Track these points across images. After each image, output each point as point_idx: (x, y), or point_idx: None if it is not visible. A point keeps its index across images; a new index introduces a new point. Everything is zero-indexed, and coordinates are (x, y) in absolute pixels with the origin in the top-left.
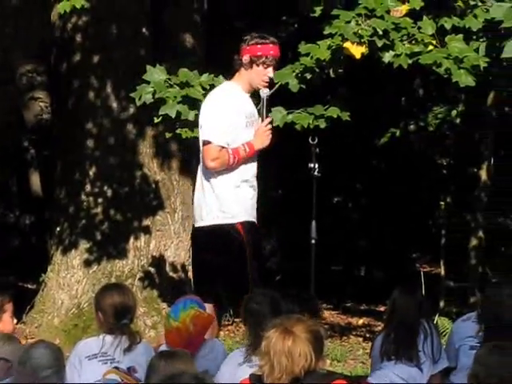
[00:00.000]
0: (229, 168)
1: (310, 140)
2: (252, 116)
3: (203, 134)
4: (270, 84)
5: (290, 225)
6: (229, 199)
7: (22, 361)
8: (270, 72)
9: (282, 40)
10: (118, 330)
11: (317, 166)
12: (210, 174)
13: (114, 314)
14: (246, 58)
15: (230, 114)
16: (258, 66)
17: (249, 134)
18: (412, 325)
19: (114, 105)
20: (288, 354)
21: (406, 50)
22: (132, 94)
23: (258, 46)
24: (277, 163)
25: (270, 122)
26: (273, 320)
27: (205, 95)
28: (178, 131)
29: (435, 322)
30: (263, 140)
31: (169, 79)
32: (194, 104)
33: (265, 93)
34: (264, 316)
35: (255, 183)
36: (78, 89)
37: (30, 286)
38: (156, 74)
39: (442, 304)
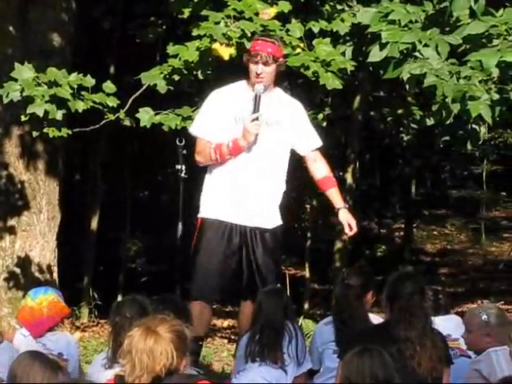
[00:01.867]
0: (217, 163)
1: (177, 141)
2: (244, 112)
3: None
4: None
5: (157, 226)
6: (207, 194)
7: None
8: (258, 68)
9: (150, 41)
10: None
11: (184, 167)
12: (206, 167)
13: None
14: (246, 56)
15: (215, 108)
16: (249, 62)
17: (238, 130)
18: (277, 327)
19: None
20: (149, 353)
21: None
22: None
23: (251, 42)
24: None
25: (257, 118)
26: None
27: (73, 95)
28: (45, 130)
29: (300, 323)
30: (247, 136)
31: (37, 77)
32: (62, 103)
33: (257, 89)
34: (130, 321)
35: (245, 181)
36: None
37: None
38: (24, 71)
39: (306, 306)
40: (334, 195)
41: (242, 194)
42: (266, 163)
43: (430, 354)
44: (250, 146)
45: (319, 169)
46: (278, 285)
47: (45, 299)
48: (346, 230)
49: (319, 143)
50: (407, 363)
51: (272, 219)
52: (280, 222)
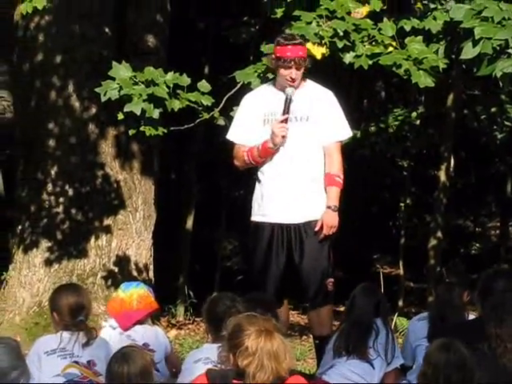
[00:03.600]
0: (251, 166)
1: None
2: (272, 114)
3: None
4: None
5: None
6: (254, 197)
7: None
8: (291, 73)
9: (244, 40)
10: (75, 327)
11: None
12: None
13: (69, 313)
14: (272, 59)
15: (247, 112)
16: (279, 67)
17: (267, 132)
18: (367, 324)
19: (76, 104)
20: (276, 355)
21: (366, 51)
22: (97, 89)
23: (278, 47)
24: None
25: (286, 120)
26: (238, 319)
27: (169, 94)
28: (141, 129)
29: (394, 321)
30: (274, 139)
31: (134, 77)
32: (159, 102)
33: (288, 92)
34: (223, 317)
35: (285, 183)
36: (41, 88)
37: None
38: (121, 70)
39: (400, 304)
40: (329, 194)
41: (279, 192)
42: (298, 160)
43: None
44: (282, 146)
45: (329, 164)
46: (330, 280)
47: (135, 292)
48: (317, 228)
49: (342, 136)
50: (498, 361)
51: (314, 212)
52: (319, 216)
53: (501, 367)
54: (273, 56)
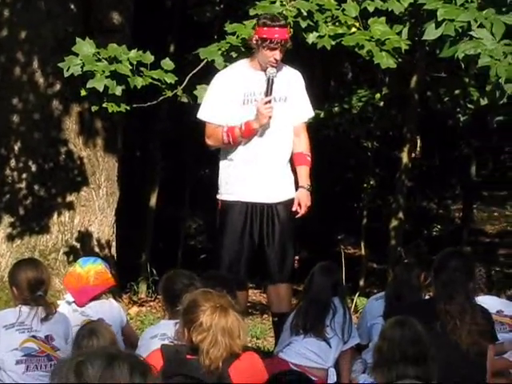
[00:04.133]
0: (228, 146)
1: None
2: (252, 94)
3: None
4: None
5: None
6: (227, 177)
7: None
8: (276, 55)
9: (208, 19)
10: (34, 302)
11: None
12: (220, 150)
13: (28, 288)
14: (255, 39)
15: (223, 91)
16: (263, 48)
17: (247, 112)
18: (324, 302)
19: (41, 80)
20: (230, 332)
21: (329, 31)
22: (60, 65)
23: (265, 28)
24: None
25: (270, 102)
26: (194, 295)
27: (132, 71)
28: (104, 105)
29: (354, 301)
30: (260, 119)
31: (98, 53)
32: (122, 79)
33: (270, 72)
34: (179, 294)
35: (262, 163)
36: (5, 64)
37: None
38: (85, 47)
39: (362, 284)
40: (301, 173)
41: (256, 172)
42: (276, 140)
43: (468, 328)
44: (266, 127)
45: (298, 143)
46: (296, 258)
47: (93, 268)
48: (294, 207)
49: (308, 116)
50: (449, 338)
51: (286, 192)
52: (293, 195)
53: (452, 344)
54: (256, 36)
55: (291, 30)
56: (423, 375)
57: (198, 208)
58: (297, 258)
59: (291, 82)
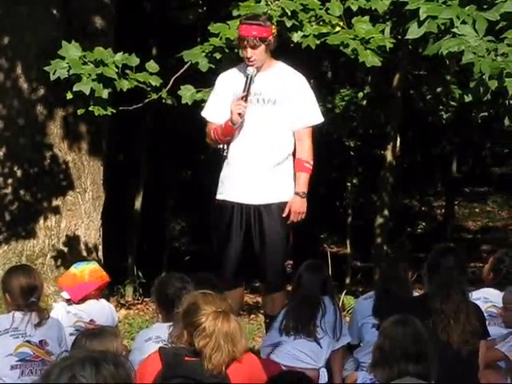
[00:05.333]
0: (217, 143)
1: None
2: (263, 94)
3: None
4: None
5: (199, 206)
6: (223, 176)
7: None
8: (247, 52)
9: (190, 21)
10: (27, 308)
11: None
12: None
13: (21, 294)
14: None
15: (219, 91)
16: (239, 47)
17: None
18: (314, 302)
19: (25, 86)
20: (232, 337)
21: (313, 30)
22: (46, 68)
23: (239, 26)
24: (187, 145)
25: (245, 99)
26: (194, 297)
27: (118, 74)
28: (90, 109)
29: (341, 300)
30: (231, 116)
31: (84, 56)
32: (108, 82)
33: (248, 71)
34: (173, 298)
35: (248, 164)
36: None
37: None
38: (71, 50)
39: (348, 283)
40: (298, 179)
41: (244, 173)
42: (264, 142)
43: (462, 328)
44: (243, 125)
45: (299, 150)
46: (289, 263)
47: (87, 267)
48: (284, 213)
49: (312, 121)
50: (440, 337)
51: (275, 195)
52: (286, 199)
53: (442, 342)
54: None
55: (273, 28)
56: (423, 373)
57: (180, 210)
58: (290, 262)
59: (287, 84)
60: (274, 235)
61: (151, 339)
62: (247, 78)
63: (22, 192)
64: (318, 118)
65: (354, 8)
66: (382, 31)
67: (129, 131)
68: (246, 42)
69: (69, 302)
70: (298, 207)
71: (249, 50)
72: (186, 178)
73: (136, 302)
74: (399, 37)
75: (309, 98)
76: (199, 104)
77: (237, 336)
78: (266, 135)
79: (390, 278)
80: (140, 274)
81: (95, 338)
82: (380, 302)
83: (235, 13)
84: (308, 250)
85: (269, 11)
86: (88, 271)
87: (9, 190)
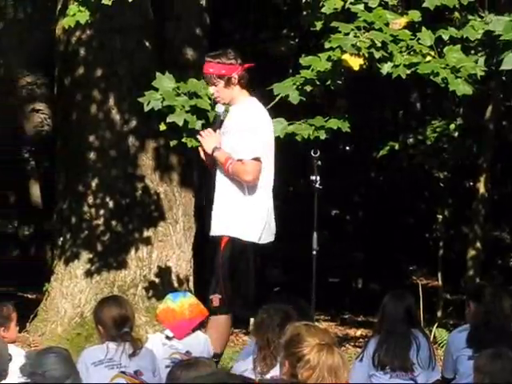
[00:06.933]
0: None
1: (311, 153)
2: (223, 127)
3: None
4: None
5: (288, 237)
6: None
7: (36, 370)
8: (210, 89)
9: (282, 53)
10: (120, 338)
11: (318, 178)
12: None
13: (114, 325)
14: None
15: None
16: None
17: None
18: (401, 331)
19: (117, 117)
20: (336, 371)
21: (404, 60)
22: (140, 99)
23: None
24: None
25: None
26: (297, 328)
27: (211, 106)
28: (183, 140)
29: (433, 333)
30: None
31: (177, 88)
32: (201, 114)
33: (217, 108)
34: (273, 329)
35: (218, 199)
36: (81, 102)
37: (29, 296)
38: (165, 81)
39: (439, 315)
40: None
41: (213, 203)
42: (220, 173)
43: None
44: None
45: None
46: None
47: (185, 301)
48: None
49: (238, 155)
50: None
51: (217, 228)
52: (225, 233)
53: None
54: None
55: (237, 65)
56: None
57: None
58: (218, 296)
59: (233, 118)
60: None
61: (247, 370)
62: (216, 115)
63: (113, 223)
64: (244, 154)
65: (445, 37)
66: (475, 62)
67: None
68: (207, 80)
69: (170, 338)
70: (207, 143)
71: (210, 87)
72: (275, 208)
73: None
74: (492, 68)
75: (238, 132)
76: (291, 136)
77: (340, 369)
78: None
79: (492, 309)
80: None
81: (191, 369)
82: (477, 333)
83: (327, 45)
84: (397, 283)
85: (358, 43)
86: (187, 306)
87: (101, 221)
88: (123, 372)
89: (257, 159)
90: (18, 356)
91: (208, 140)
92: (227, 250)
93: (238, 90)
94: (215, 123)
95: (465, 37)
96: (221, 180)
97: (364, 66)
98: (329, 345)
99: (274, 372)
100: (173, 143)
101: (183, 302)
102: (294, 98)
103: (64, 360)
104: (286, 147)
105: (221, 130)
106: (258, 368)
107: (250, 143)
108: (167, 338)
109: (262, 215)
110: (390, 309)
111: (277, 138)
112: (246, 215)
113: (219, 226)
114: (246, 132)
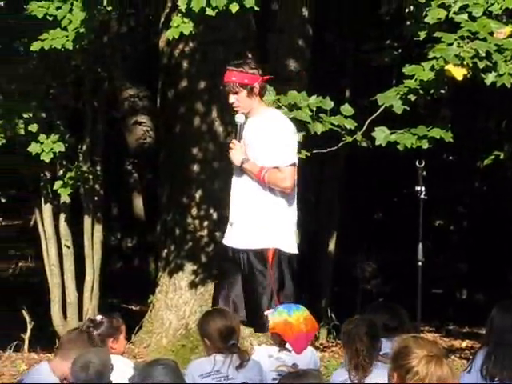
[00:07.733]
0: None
1: (416, 163)
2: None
3: None
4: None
5: (391, 247)
6: None
7: (145, 381)
8: (230, 98)
9: (385, 64)
10: (227, 350)
11: (423, 188)
12: None
13: (220, 338)
14: None
15: None
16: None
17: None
18: (510, 343)
19: (220, 129)
20: (445, 382)
21: (508, 69)
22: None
23: None
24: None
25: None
26: (405, 340)
27: (312, 117)
28: None
29: None
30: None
31: (278, 100)
32: (302, 125)
33: (236, 118)
34: (360, 338)
35: (231, 208)
36: (185, 114)
37: (134, 308)
38: (266, 94)
39: None
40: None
41: (232, 216)
42: (246, 186)
43: None
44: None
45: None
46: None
47: (300, 315)
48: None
49: (272, 162)
50: None
51: (255, 240)
52: (267, 246)
53: None
54: None
55: (258, 75)
56: None
57: (371, 251)
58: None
59: (256, 129)
60: (250, 281)
61: (346, 380)
62: (236, 126)
63: (217, 234)
64: (279, 161)
65: None
66: None
67: (322, 173)
68: (227, 88)
69: (283, 350)
70: (235, 151)
71: (231, 95)
72: (377, 218)
73: (330, 344)
74: None
75: (268, 141)
76: (393, 145)
77: (449, 380)
78: (245, 178)
79: None
80: (333, 317)
81: (299, 380)
82: None
83: (430, 55)
84: (501, 292)
85: (461, 53)
86: (303, 319)
87: (204, 233)
88: None
89: (293, 165)
90: (126, 367)
91: (234, 152)
92: (275, 263)
93: (257, 101)
94: (237, 134)
95: None
96: (251, 191)
97: (468, 76)
98: (437, 356)
99: (370, 380)
100: None
101: (298, 316)
102: (398, 107)
103: (172, 371)
104: (389, 159)
105: (241, 141)
106: (352, 377)
107: (285, 150)
108: (280, 351)
109: (295, 224)
110: (497, 321)
111: (378, 147)
112: (288, 225)
113: (264, 239)
114: (279, 139)
